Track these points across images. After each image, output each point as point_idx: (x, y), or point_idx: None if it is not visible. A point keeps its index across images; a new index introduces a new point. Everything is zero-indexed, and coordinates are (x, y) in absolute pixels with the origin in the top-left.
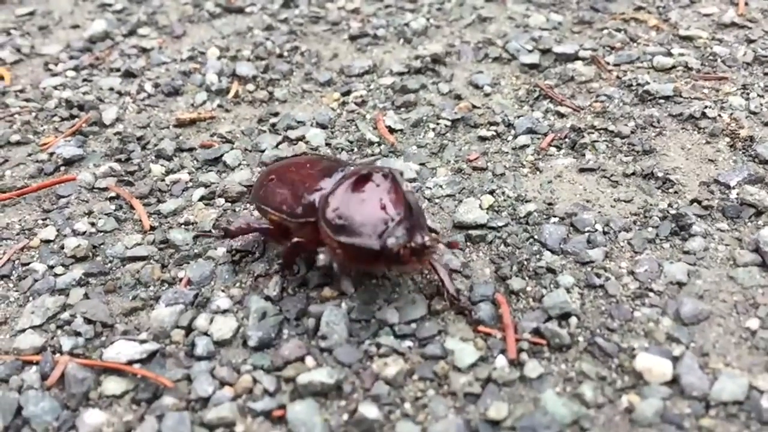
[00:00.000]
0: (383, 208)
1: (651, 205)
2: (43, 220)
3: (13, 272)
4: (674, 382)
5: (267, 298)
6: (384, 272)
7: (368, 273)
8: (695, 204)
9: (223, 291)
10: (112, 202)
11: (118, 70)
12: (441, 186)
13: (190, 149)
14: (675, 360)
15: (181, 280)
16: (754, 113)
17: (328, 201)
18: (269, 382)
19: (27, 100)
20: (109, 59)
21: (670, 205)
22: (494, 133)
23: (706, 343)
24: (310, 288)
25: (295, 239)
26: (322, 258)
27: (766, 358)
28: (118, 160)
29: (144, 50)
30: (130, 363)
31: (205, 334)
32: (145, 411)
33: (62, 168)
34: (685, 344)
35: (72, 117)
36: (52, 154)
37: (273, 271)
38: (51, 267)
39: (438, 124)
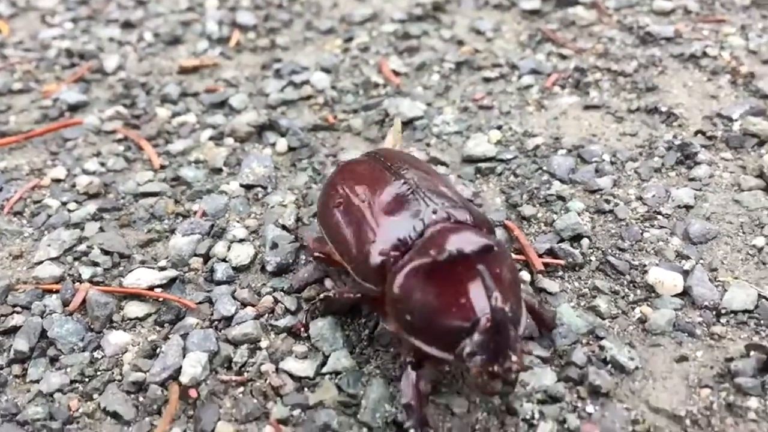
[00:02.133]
0: (464, 307)
1: (656, 137)
2: (52, 161)
3: (26, 209)
4: (685, 293)
5: (283, 227)
6: None
7: None
8: (699, 135)
9: (238, 222)
10: (120, 144)
11: (116, 20)
12: (448, 123)
13: (195, 94)
14: (685, 274)
15: (195, 212)
16: (754, 52)
17: (398, 280)
18: (290, 302)
19: (27, 50)
20: (107, 10)
21: (674, 136)
22: (498, 75)
23: (715, 259)
24: None
25: (358, 295)
26: (382, 324)
27: None
28: (124, 105)
29: (141, 2)
30: (151, 288)
31: (224, 260)
32: (169, 331)
33: (67, 113)
34: (694, 260)
35: (73, 66)
36: (56, 100)
37: (317, 302)
38: (64, 203)
39: (442, 67)
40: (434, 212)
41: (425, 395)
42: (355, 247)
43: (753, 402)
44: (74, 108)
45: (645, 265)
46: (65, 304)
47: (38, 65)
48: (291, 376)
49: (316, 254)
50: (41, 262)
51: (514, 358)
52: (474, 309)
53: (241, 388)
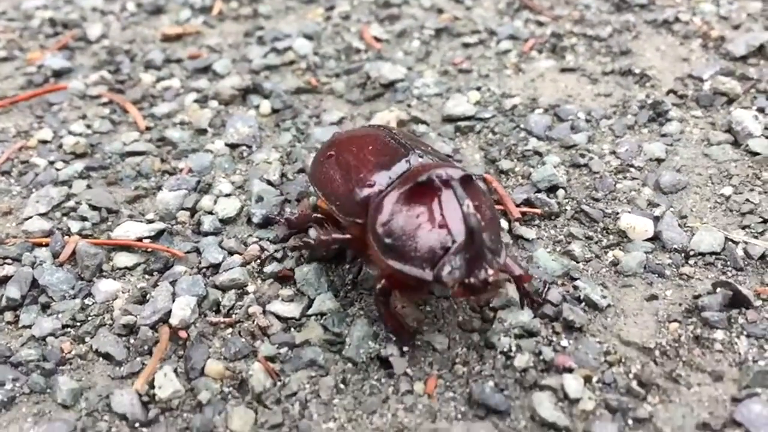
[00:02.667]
0: (442, 227)
1: (629, 97)
2: (38, 123)
3: (13, 169)
4: (656, 238)
5: (268, 182)
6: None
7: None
8: (671, 94)
9: (224, 177)
10: (105, 107)
11: None
12: (428, 86)
13: (179, 60)
14: (656, 220)
15: (181, 170)
16: (724, 18)
17: (379, 207)
18: (276, 250)
19: (10, 20)
20: None
21: (647, 96)
22: (477, 41)
23: (684, 207)
24: None
25: (339, 236)
26: (365, 269)
27: (740, 218)
28: (108, 71)
29: None
30: (140, 240)
31: (210, 213)
32: (158, 279)
33: (51, 79)
34: (665, 207)
35: (56, 34)
36: (40, 66)
37: (296, 245)
38: (51, 162)
39: (422, 33)
40: (420, 156)
41: (400, 314)
42: (342, 186)
43: (719, 334)
44: (59, 74)
45: (617, 213)
46: (55, 255)
47: (22, 34)
48: (278, 317)
49: (313, 216)
50: (30, 218)
51: (490, 270)
52: (452, 229)
53: (230, 329)
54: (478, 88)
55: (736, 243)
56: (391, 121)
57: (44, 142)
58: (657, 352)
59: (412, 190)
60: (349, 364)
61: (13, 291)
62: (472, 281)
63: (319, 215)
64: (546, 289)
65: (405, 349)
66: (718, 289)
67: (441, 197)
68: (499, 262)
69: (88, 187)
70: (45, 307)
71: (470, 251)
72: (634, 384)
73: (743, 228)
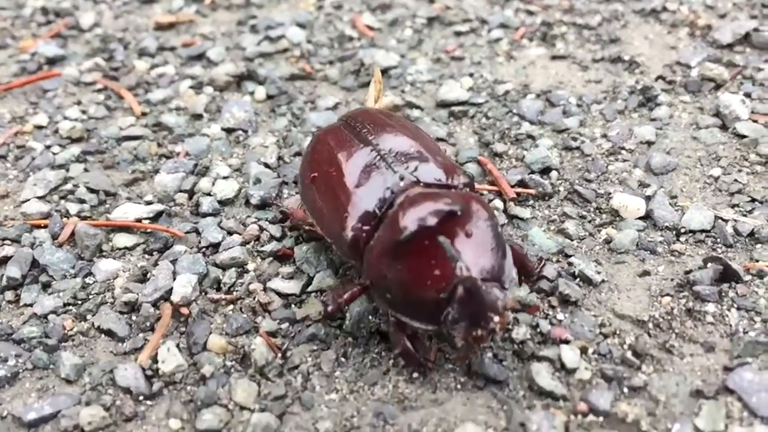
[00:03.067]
0: (438, 278)
1: (619, 83)
2: (32, 109)
3: (9, 153)
4: (647, 217)
5: (266, 165)
6: None
7: None
8: (660, 80)
9: (221, 161)
10: (100, 93)
11: None
12: (422, 72)
13: (172, 48)
14: (648, 199)
15: (178, 153)
16: (711, 7)
17: (370, 261)
18: (275, 230)
19: (1, 9)
20: None
21: (636, 82)
22: (469, 29)
23: (675, 187)
24: None
25: (351, 293)
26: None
27: (729, 198)
28: (102, 58)
29: None
30: (138, 221)
31: (209, 194)
32: (158, 258)
33: (45, 67)
34: (656, 187)
35: (49, 23)
36: (33, 54)
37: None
38: (48, 147)
39: (414, 22)
40: (401, 179)
41: (414, 337)
42: (330, 222)
43: (710, 307)
44: (52, 61)
45: (610, 193)
46: (54, 237)
47: (14, 23)
48: (278, 294)
49: (307, 227)
50: (27, 200)
51: (496, 319)
52: (447, 278)
53: (231, 306)
54: (471, 75)
55: (725, 221)
56: (386, 107)
57: (40, 127)
58: (650, 325)
59: (398, 245)
60: (350, 338)
61: (13, 270)
62: (478, 333)
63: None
64: (542, 265)
65: (414, 375)
66: (709, 265)
67: (431, 244)
68: (504, 301)
69: (85, 170)
70: (46, 286)
71: (472, 306)
72: (628, 354)
73: (732, 207)
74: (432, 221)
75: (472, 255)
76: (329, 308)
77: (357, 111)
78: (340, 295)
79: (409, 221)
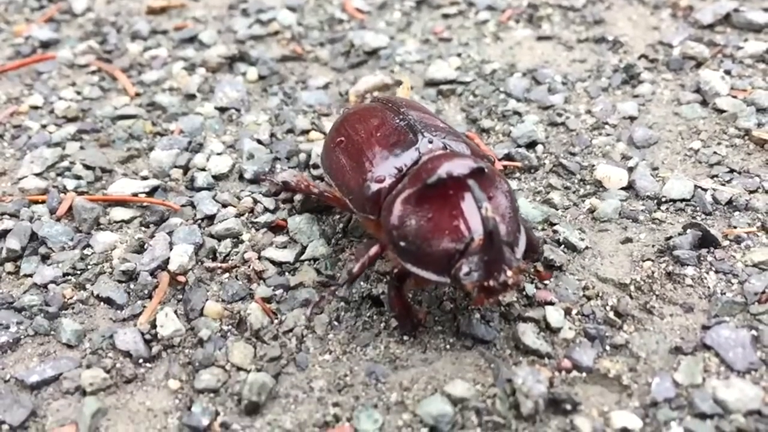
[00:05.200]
0: (456, 228)
1: (603, 62)
2: (28, 91)
3: (6, 133)
4: (630, 187)
5: (258, 141)
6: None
7: None
8: (643, 59)
9: (215, 138)
10: (94, 75)
11: None
12: (410, 53)
13: (165, 32)
14: (630, 170)
15: (173, 131)
16: None
17: (391, 209)
18: (269, 202)
19: None
20: None
21: (620, 61)
22: (457, 12)
23: (656, 160)
24: (297, 134)
25: (372, 252)
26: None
27: (708, 169)
28: (95, 41)
29: None
30: (135, 195)
31: (203, 170)
32: (155, 230)
33: (39, 50)
34: (638, 159)
35: (42, 8)
36: (27, 38)
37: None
38: (44, 126)
39: (403, 5)
40: (430, 142)
41: (409, 303)
42: (353, 179)
43: (689, 270)
44: (46, 45)
45: (594, 165)
46: (52, 211)
47: (7, 8)
48: (272, 262)
49: (314, 196)
50: (25, 177)
51: (509, 272)
52: (467, 229)
53: (227, 274)
54: (459, 55)
55: (705, 190)
56: (376, 85)
57: (35, 107)
58: (632, 288)
59: (422, 191)
60: (342, 303)
61: (13, 243)
62: (491, 284)
63: (326, 193)
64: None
65: (405, 337)
66: (689, 231)
67: (453, 196)
68: (518, 259)
69: (81, 148)
70: (45, 258)
71: (488, 254)
72: (611, 315)
73: (711, 177)
74: (460, 171)
75: (494, 209)
76: (354, 270)
77: (388, 96)
78: (362, 256)
79: (438, 168)
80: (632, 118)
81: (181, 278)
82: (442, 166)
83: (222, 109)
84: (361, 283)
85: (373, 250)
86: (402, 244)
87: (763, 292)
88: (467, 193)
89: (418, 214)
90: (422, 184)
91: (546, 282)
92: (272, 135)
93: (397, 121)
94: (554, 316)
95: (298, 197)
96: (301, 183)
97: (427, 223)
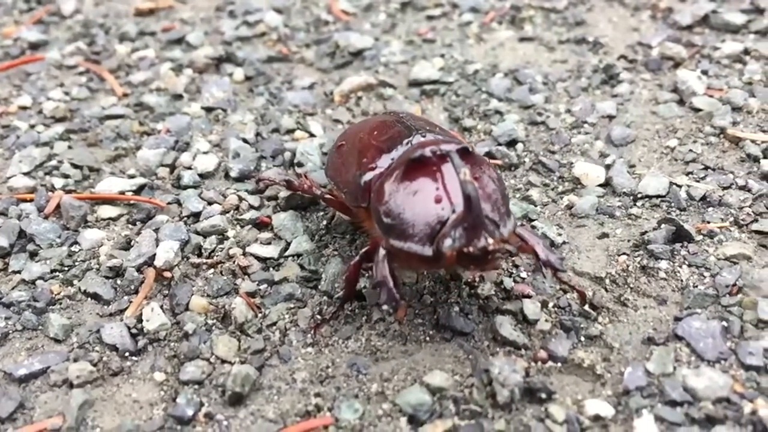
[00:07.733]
0: (439, 200)
1: (583, 62)
2: (16, 91)
3: None
4: (607, 184)
5: (244, 140)
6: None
7: None
8: (622, 59)
9: (201, 137)
10: (82, 76)
11: None
12: (395, 54)
13: (152, 33)
14: (607, 168)
15: (160, 131)
16: None
17: (380, 189)
18: (254, 200)
19: None
20: None
21: (600, 61)
22: (441, 13)
23: (633, 157)
24: (282, 133)
25: (365, 250)
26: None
27: (684, 166)
28: (83, 43)
29: None
30: (122, 193)
31: (189, 168)
32: (142, 227)
33: (28, 51)
34: (615, 157)
35: (30, 10)
36: (16, 39)
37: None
38: (32, 126)
39: (388, 7)
40: (423, 136)
41: (396, 273)
42: (348, 171)
43: (663, 264)
44: (35, 46)
45: (572, 163)
46: (40, 209)
47: None
48: (257, 258)
49: (308, 194)
50: (13, 176)
51: (490, 240)
52: (449, 203)
53: (212, 270)
54: (442, 56)
55: (679, 186)
56: (361, 86)
57: (24, 108)
58: (607, 281)
59: (408, 168)
60: (325, 297)
61: (1, 240)
62: (470, 250)
63: (328, 196)
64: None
65: (384, 307)
66: (663, 226)
67: (437, 171)
68: (502, 233)
69: (69, 147)
70: (33, 255)
71: (468, 220)
72: (586, 307)
73: (687, 174)
74: (440, 150)
75: (476, 181)
76: (378, 278)
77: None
78: (376, 265)
79: (422, 147)
80: (611, 117)
81: (167, 274)
82: (425, 145)
83: (209, 109)
84: (344, 278)
85: (381, 254)
86: (387, 220)
87: (734, 285)
88: (451, 170)
89: (402, 191)
90: (407, 162)
91: (523, 276)
92: (258, 134)
93: (396, 124)
94: (531, 308)
95: (282, 194)
96: (303, 183)
97: (410, 198)
